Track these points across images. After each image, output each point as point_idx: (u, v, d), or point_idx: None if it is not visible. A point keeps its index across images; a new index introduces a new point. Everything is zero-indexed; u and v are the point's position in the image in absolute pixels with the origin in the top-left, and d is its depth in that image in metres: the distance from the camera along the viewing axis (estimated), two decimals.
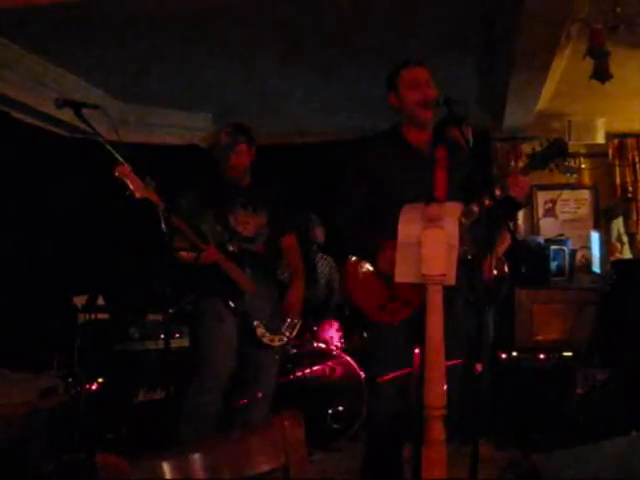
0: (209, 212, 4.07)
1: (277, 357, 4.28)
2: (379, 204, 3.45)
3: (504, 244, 4.85)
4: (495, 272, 4.77)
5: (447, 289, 2.82)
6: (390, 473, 3.57)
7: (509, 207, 3.46)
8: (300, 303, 4.26)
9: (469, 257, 3.56)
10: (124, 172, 3.59)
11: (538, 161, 3.39)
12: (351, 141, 6.51)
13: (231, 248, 4.07)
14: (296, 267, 4.38)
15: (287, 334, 4.21)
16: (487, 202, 3.28)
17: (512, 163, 7.26)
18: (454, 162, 3.54)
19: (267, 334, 4.09)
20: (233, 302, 4.03)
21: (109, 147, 3.50)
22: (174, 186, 4.00)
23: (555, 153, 3.41)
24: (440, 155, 3.53)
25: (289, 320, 4.21)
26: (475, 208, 3.27)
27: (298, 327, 4.31)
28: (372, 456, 3.62)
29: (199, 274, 4.07)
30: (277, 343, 4.16)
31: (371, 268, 3.47)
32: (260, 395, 4.16)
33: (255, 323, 4.05)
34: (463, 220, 3.26)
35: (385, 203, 3.36)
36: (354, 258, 3.55)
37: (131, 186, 3.60)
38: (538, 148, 3.44)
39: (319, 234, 6.30)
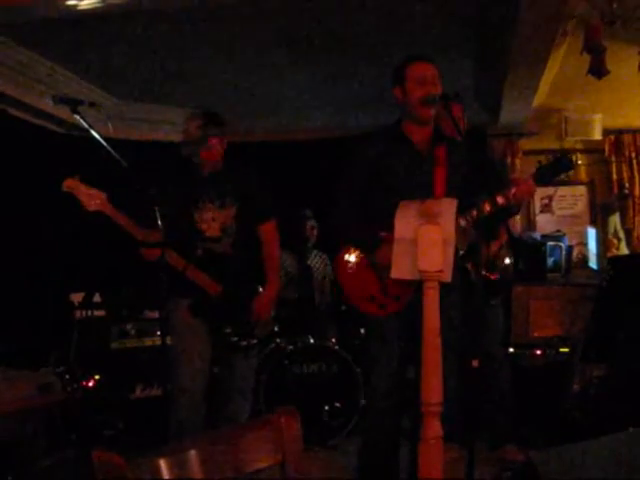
0: (175, 211, 3.82)
1: (253, 359, 4.14)
2: (378, 199, 3.47)
3: (500, 240, 4.81)
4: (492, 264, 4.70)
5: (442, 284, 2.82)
6: (387, 468, 3.58)
7: (506, 211, 3.50)
8: (272, 302, 4.07)
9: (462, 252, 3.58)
10: (72, 186, 3.56)
11: (544, 175, 3.41)
12: (348, 137, 6.53)
13: (198, 252, 3.91)
14: (272, 259, 4.14)
15: (259, 334, 4.03)
16: (488, 208, 3.31)
17: (509, 160, 7.27)
18: (453, 161, 3.54)
19: (237, 337, 3.95)
20: (198, 306, 3.88)
21: (105, 144, 3.49)
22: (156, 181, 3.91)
23: (561, 169, 3.44)
24: (439, 154, 3.53)
25: (261, 320, 4.02)
26: (475, 213, 3.30)
27: (271, 326, 4.22)
28: (369, 452, 3.63)
29: (166, 275, 3.75)
30: (249, 344, 3.99)
31: (363, 258, 3.48)
32: (235, 398, 4.03)
33: (225, 328, 3.92)
34: (463, 223, 3.28)
35: (384, 199, 3.38)
36: (346, 248, 3.56)
37: (82, 199, 3.56)
38: (545, 161, 3.48)
39: (312, 231, 6.28)
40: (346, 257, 3.54)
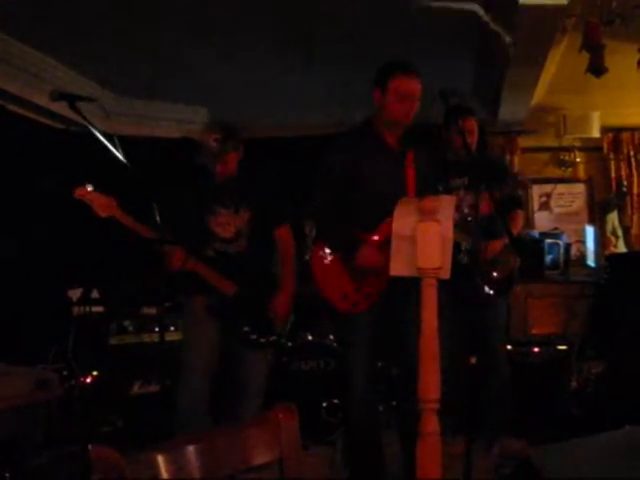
0: (189, 215, 3.96)
1: (268, 356, 4.22)
2: (351, 197, 3.52)
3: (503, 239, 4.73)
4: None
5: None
6: (370, 459, 3.64)
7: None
8: (290, 300, 4.11)
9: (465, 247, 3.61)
10: (83, 194, 3.61)
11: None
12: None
13: (209, 253, 3.97)
14: (287, 261, 4.20)
15: (278, 331, 4.09)
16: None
17: (507, 157, 7.26)
18: (419, 162, 3.64)
19: (255, 334, 3.99)
20: (213, 305, 3.94)
21: (103, 140, 3.49)
22: (166, 180, 3.97)
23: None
24: (409, 154, 3.60)
25: (280, 318, 4.08)
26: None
27: (290, 324, 4.22)
28: (356, 443, 3.75)
29: (181, 275, 3.92)
30: (267, 341, 4.05)
31: (338, 256, 3.55)
32: (250, 395, 4.08)
33: (243, 326, 3.97)
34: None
35: (357, 196, 3.47)
36: (322, 243, 3.66)
37: (93, 206, 3.62)
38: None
39: (311, 229, 6.28)
40: (321, 253, 3.64)
